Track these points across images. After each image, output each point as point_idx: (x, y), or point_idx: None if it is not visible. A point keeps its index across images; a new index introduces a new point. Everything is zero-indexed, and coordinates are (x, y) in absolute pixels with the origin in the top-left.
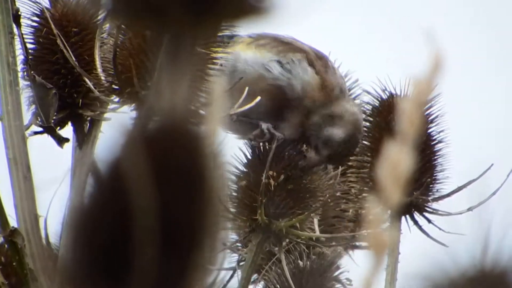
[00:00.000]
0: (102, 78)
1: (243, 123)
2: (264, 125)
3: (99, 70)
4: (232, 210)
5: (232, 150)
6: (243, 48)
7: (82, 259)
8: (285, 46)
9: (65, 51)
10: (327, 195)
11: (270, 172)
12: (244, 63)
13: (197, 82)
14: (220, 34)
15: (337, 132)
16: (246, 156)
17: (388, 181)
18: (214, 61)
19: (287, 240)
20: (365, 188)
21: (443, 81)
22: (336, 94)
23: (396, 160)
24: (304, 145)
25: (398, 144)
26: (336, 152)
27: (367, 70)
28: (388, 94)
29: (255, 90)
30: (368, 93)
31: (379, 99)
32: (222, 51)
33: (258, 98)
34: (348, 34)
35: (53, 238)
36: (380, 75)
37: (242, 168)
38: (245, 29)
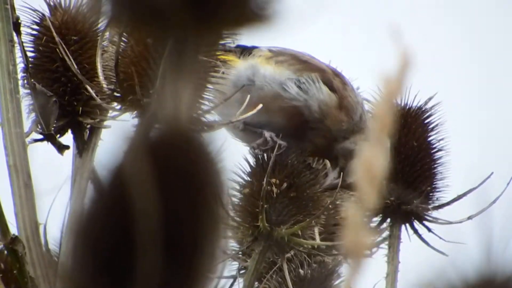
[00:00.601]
0: (104, 85)
1: (249, 132)
2: (267, 134)
3: (101, 77)
4: (235, 218)
5: (236, 159)
6: (263, 62)
7: (82, 265)
8: (303, 64)
9: (66, 59)
10: (328, 203)
11: (273, 180)
12: (263, 79)
13: (199, 89)
14: (222, 41)
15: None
16: (249, 164)
17: (363, 182)
18: (216, 68)
19: (290, 250)
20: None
21: (437, 83)
22: (357, 121)
23: (370, 161)
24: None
25: (372, 145)
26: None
27: (368, 77)
28: None
29: (271, 108)
30: (368, 101)
31: (372, 112)
32: (225, 59)
33: (260, 105)
34: (348, 42)
35: (53, 245)
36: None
37: (245, 177)
38: (249, 37)
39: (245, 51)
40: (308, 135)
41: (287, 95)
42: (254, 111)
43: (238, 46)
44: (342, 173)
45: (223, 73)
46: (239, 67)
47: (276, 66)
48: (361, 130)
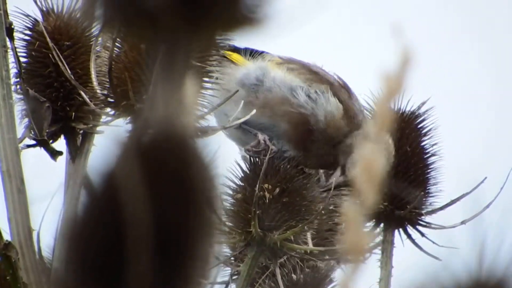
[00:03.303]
0: (98, 91)
1: (244, 132)
2: (261, 136)
3: (95, 83)
4: (228, 223)
5: (229, 163)
6: (273, 66)
7: (75, 270)
8: (313, 75)
9: (59, 64)
10: (321, 208)
11: (266, 185)
12: (272, 81)
13: (192, 94)
14: (215, 46)
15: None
16: (242, 169)
17: (363, 181)
18: (209, 74)
19: (283, 255)
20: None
21: (431, 88)
22: (360, 120)
23: (369, 160)
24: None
25: (371, 144)
26: None
27: (360, 80)
28: None
29: (277, 111)
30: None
31: (372, 112)
32: (217, 64)
33: (254, 111)
34: (341, 44)
35: (46, 251)
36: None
37: (238, 181)
38: (240, 40)
39: (253, 53)
40: (310, 147)
41: (295, 101)
42: (248, 116)
43: (247, 49)
44: (344, 170)
45: (216, 78)
46: (249, 66)
47: (287, 72)
48: (359, 126)
